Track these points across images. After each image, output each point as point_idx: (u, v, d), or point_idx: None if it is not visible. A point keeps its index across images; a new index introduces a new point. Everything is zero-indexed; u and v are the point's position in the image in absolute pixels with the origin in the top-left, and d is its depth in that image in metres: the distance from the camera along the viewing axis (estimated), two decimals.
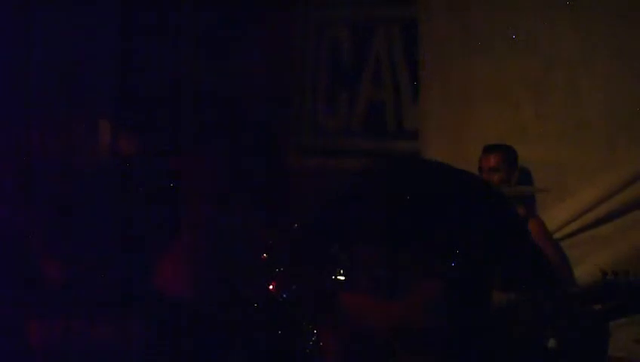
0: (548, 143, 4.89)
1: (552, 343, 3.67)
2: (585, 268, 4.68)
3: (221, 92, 4.58)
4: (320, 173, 5.99)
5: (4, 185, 4.93)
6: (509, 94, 5.15)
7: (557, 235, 4.73)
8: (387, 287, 3.00)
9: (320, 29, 6.03)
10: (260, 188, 4.30)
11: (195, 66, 4.62)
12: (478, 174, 4.25)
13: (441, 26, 5.31)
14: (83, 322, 4.54)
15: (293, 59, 6.11)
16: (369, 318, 3.04)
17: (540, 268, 3.23)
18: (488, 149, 4.63)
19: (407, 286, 3.00)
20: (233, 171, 4.23)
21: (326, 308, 3.18)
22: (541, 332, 3.93)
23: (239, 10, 5.94)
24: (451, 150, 4.98)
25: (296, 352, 3.81)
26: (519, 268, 3.08)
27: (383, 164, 3.15)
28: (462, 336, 3.01)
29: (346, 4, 5.95)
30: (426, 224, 3.00)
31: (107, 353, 4.45)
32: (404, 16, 5.65)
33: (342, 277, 3.10)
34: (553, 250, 4.42)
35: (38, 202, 4.93)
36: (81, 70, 5.23)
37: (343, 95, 5.96)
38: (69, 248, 4.76)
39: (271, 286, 4.51)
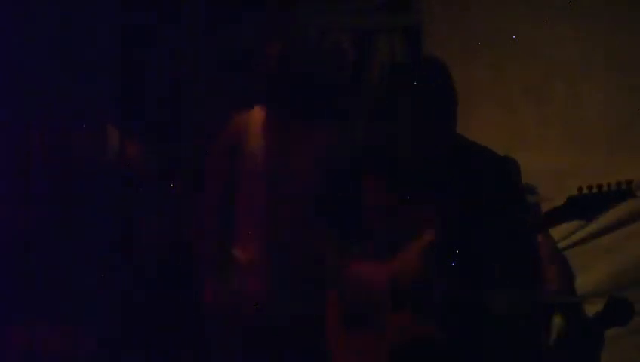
0: (549, 150, 4.90)
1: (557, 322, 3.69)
2: (586, 278, 4.70)
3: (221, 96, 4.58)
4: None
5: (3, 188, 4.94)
6: (509, 100, 5.17)
7: (559, 245, 4.74)
8: (386, 243, 3.19)
9: (320, 36, 6.04)
10: None
11: (196, 69, 4.62)
12: None
13: (442, 32, 5.32)
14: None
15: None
16: (370, 281, 3.20)
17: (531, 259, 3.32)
18: None
19: (405, 242, 3.17)
20: None
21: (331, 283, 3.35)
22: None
23: (238, 16, 5.95)
24: None
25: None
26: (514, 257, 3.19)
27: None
28: (455, 295, 3.13)
29: (347, 11, 5.95)
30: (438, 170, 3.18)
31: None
32: (405, 23, 5.66)
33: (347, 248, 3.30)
34: (557, 258, 4.45)
35: (37, 205, 4.94)
36: (83, 72, 5.24)
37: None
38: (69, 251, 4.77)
39: None
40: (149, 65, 5.13)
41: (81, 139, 4.89)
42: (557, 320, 4.23)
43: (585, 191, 3.04)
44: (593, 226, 4.84)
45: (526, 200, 3.29)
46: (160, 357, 4.26)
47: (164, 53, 4.45)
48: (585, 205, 3.05)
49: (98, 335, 4.37)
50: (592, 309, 4.44)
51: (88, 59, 5.24)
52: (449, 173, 3.24)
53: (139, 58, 5.15)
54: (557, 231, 4.64)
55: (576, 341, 4.06)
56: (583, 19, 4.96)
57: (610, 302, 3.97)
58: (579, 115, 4.97)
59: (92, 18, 5.30)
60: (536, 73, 5.09)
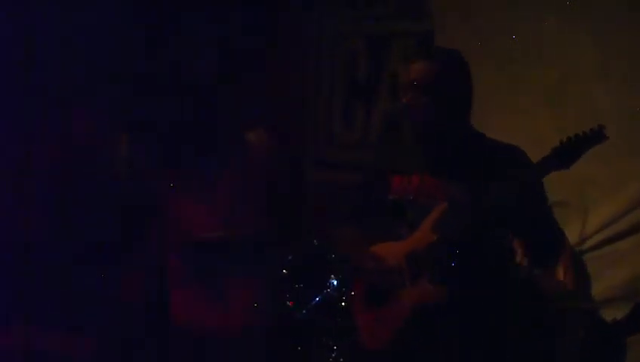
0: None
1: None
2: (602, 283, 4.66)
3: (235, 104, 4.57)
4: (335, 186, 5.98)
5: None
6: (525, 107, 5.14)
7: (576, 249, 4.71)
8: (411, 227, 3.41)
9: (336, 42, 6.03)
10: (278, 202, 4.29)
11: (207, 76, 4.61)
12: None
13: (456, 38, 5.29)
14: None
15: (308, 72, 6.11)
16: (389, 258, 3.43)
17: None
18: None
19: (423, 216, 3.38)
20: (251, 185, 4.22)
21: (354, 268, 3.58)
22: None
23: (254, 22, 5.95)
24: None
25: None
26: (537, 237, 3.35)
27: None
28: (471, 268, 3.33)
29: (361, 17, 5.94)
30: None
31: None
32: (419, 29, 5.64)
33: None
34: (573, 263, 4.43)
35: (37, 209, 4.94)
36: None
37: (358, 108, 5.96)
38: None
39: (289, 303, 4.54)
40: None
41: (89, 147, 4.88)
42: (575, 326, 4.21)
43: (564, 141, 3.30)
44: (608, 232, 4.81)
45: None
46: None
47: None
48: (563, 153, 3.31)
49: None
50: (608, 315, 4.42)
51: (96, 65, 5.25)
52: (463, 154, 3.44)
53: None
54: (571, 236, 4.62)
55: (596, 347, 4.05)
56: (600, 22, 4.92)
57: (636, 309, 4.03)
58: (597, 121, 4.94)
59: (102, 30, 5.31)
60: (551, 77, 5.06)
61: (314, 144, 6.11)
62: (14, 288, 4.75)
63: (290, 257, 4.69)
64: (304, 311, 4.55)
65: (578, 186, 4.67)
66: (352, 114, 5.99)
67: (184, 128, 4.42)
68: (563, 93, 5.06)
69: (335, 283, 4.46)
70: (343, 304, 4.42)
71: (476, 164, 3.40)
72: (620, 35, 4.87)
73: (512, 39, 5.12)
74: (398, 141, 5.73)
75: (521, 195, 3.26)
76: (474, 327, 3.37)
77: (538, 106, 5.14)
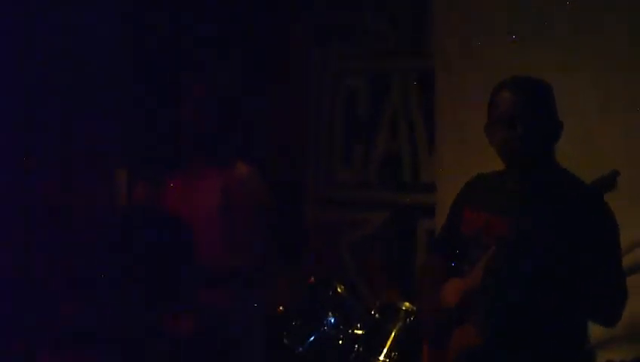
0: None
1: None
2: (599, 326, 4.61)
3: (235, 141, 4.56)
4: (335, 226, 5.96)
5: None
6: None
7: None
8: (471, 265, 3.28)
9: (336, 80, 6.03)
10: (277, 240, 4.26)
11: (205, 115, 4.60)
12: None
13: (457, 76, 5.30)
14: None
15: (309, 110, 6.10)
16: (447, 297, 3.32)
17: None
18: None
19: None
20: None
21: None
22: None
23: (256, 58, 5.96)
24: None
25: None
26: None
27: None
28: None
29: (362, 55, 5.95)
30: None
31: None
32: (420, 67, 5.64)
33: None
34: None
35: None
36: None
37: (359, 146, 5.94)
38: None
39: (285, 340, 4.49)
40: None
41: (88, 182, 4.87)
42: None
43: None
44: None
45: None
46: None
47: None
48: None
49: None
50: (603, 356, 4.36)
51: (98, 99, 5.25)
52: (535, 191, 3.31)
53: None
54: None
55: None
56: (601, 65, 4.91)
57: None
58: (596, 160, 4.91)
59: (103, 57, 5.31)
60: None
61: (314, 182, 6.10)
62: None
63: (288, 295, 4.66)
64: (300, 349, 4.50)
65: None
66: (352, 151, 5.98)
67: (177, 164, 4.40)
68: (564, 133, 5.04)
69: (332, 320, 4.42)
70: (340, 342, 4.37)
71: (543, 207, 3.22)
72: (622, 75, 4.86)
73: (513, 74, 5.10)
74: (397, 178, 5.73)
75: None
76: None
77: None
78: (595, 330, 4.49)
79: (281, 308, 4.56)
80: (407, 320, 4.28)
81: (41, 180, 5.04)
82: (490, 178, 3.49)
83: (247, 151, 4.68)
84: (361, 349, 4.32)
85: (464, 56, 5.27)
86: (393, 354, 4.26)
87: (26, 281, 4.85)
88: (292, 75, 6.08)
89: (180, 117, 4.28)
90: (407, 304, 4.32)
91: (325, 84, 6.05)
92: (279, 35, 6.03)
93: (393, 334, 4.29)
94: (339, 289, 4.41)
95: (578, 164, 4.84)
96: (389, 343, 4.27)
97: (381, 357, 4.27)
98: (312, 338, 4.48)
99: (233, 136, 4.37)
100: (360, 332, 4.33)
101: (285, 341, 4.44)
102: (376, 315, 4.36)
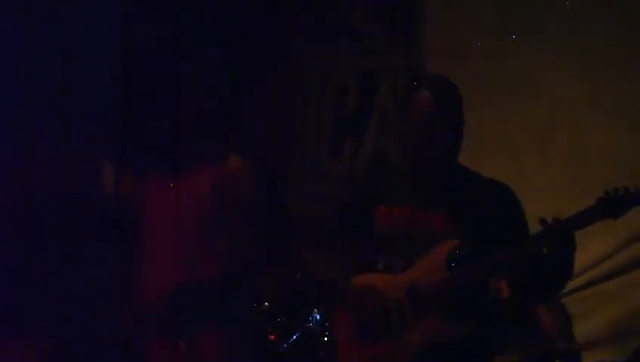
0: (552, 193, 4.86)
1: None
2: (589, 324, 4.64)
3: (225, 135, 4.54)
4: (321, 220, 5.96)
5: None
6: (511, 142, 5.14)
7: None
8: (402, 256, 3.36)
9: (325, 76, 6.03)
10: (263, 234, 4.24)
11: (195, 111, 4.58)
12: None
13: (445, 73, 5.30)
14: None
15: (297, 106, 6.10)
16: (387, 293, 3.36)
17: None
18: None
19: (420, 256, 3.33)
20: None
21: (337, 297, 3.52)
22: None
23: (245, 56, 5.96)
24: None
25: None
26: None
27: None
28: (462, 298, 3.29)
29: (351, 52, 5.95)
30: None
31: None
32: (409, 64, 5.65)
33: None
34: (555, 306, 4.43)
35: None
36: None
37: (347, 142, 5.95)
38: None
39: (272, 336, 4.50)
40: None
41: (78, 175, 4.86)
42: None
43: (611, 193, 3.20)
44: (592, 273, 4.80)
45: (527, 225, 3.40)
46: None
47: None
48: (613, 203, 3.20)
49: None
50: (591, 357, 4.40)
51: (88, 95, 5.24)
52: (454, 185, 3.41)
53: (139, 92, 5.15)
54: None
55: None
56: (589, 61, 4.93)
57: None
58: (584, 158, 4.94)
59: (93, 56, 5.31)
60: (540, 115, 5.06)
61: (301, 177, 6.10)
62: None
63: (273, 291, 4.66)
64: (285, 345, 4.51)
65: None
66: (341, 147, 5.98)
67: (164, 153, 4.37)
68: (551, 131, 5.07)
69: (317, 317, 4.43)
70: (326, 338, 4.38)
71: (465, 199, 3.38)
72: (609, 71, 4.89)
73: (500, 74, 5.13)
74: (385, 173, 5.73)
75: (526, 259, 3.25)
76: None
77: (525, 143, 5.14)
78: (582, 331, 4.55)
79: (266, 304, 4.57)
80: None
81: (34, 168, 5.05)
82: (396, 174, 3.63)
83: (237, 146, 4.67)
84: None
85: (453, 55, 5.28)
86: None
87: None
88: (282, 72, 6.08)
89: (172, 110, 4.24)
90: None
91: (314, 82, 6.06)
92: (270, 32, 6.03)
93: None
94: (324, 286, 4.42)
95: (567, 166, 4.93)
96: None
97: None
98: (296, 335, 4.50)
99: (224, 130, 4.35)
100: None
101: (270, 338, 4.45)
102: None
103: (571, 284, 4.77)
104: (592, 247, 4.78)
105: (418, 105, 3.43)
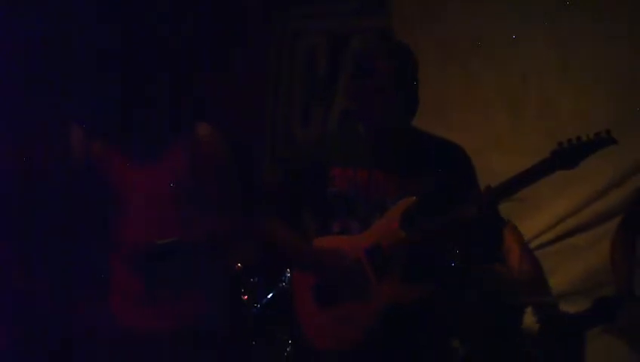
0: (523, 154, 4.88)
1: None
2: (556, 279, 4.70)
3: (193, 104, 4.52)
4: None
5: None
6: (484, 106, 5.17)
7: (530, 245, 4.75)
8: (361, 221, 3.40)
9: (295, 39, 6.02)
10: (234, 198, 4.25)
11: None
12: None
13: (416, 37, 5.30)
14: None
15: (267, 69, 6.09)
16: (345, 255, 3.40)
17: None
18: None
19: (378, 216, 3.37)
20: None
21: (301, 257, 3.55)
22: None
23: (215, 19, 5.93)
24: None
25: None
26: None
27: None
28: (421, 260, 3.36)
29: (321, 15, 5.94)
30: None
31: None
32: (379, 27, 5.65)
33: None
34: (528, 257, 4.46)
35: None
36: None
37: (317, 105, 5.95)
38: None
39: (244, 297, 4.51)
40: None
41: (44, 139, 4.83)
42: (532, 320, 4.22)
43: (565, 144, 3.27)
44: (561, 228, 4.86)
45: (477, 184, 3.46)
46: None
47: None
48: (569, 155, 3.28)
49: None
50: (568, 308, 4.45)
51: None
52: (408, 148, 3.46)
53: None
54: (527, 231, 4.65)
55: (556, 340, 4.08)
56: (561, 25, 4.95)
57: (596, 303, 4.09)
58: (553, 121, 4.97)
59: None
60: (511, 78, 5.09)
61: (272, 142, 6.10)
62: None
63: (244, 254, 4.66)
64: (258, 305, 4.52)
65: (534, 184, 4.71)
66: (311, 112, 5.99)
67: (135, 122, 4.35)
68: (522, 95, 5.10)
69: (290, 275, 4.43)
70: None
71: (419, 161, 3.43)
72: (579, 39, 4.91)
73: (472, 39, 5.14)
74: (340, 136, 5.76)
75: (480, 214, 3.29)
76: (441, 325, 3.46)
77: (497, 106, 5.16)
78: (557, 284, 4.61)
79: (239, 264, 4.57)
80: None
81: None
82: (348, 136, 3.60)
83: (206, 114, 4.66)
84: None
85: (423, 18, 5.29)
86: None
87: None
88: (251, 35, 6.07)
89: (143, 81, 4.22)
90: None
91: (284, 45, 6.05)
92: None
93: None
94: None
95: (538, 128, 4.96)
96: None
97: None
98: (270, 295, 4.51)
99: (192, 99, 4.34)
100: None
101: (242, 298, 4.46)
102: None
103: (540, 240, 4.88)
104: (558, 204, 4.85)
105: (374, 72, 3.42)
